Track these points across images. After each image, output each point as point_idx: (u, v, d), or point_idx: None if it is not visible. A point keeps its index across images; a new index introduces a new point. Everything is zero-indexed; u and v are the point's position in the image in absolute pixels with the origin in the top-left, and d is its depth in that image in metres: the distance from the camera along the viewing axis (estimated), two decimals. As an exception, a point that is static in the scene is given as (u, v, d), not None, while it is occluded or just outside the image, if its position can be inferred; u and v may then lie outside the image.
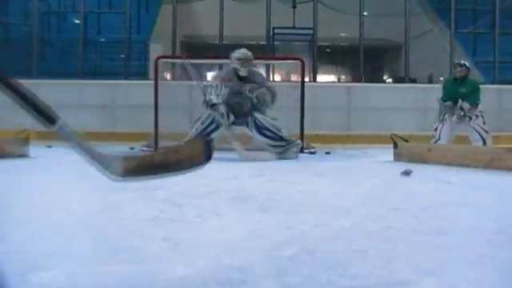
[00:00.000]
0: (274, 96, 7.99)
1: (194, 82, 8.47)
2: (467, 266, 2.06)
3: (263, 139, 7.85)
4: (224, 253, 2.18)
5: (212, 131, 7.90)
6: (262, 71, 8.28)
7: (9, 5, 16.66)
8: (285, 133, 7.89)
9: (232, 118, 7.87)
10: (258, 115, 7.85)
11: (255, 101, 7.83)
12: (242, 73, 7.95)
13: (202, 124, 7.94)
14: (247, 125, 7.92)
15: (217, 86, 7.97)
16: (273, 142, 7.84)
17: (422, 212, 3.32)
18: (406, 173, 5.75)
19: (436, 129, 8.83)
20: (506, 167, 6.00)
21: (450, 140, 8.72)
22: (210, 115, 7.85)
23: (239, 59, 7.97)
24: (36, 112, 1.92)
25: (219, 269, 1.96)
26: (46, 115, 1.97)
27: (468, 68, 8.85)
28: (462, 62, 9.18)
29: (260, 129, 7.83)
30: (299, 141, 8.17)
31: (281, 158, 7.73)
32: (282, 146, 7.86)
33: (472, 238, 2.62)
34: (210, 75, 17.48)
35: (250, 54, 8.10)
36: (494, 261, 2.15)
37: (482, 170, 6.09)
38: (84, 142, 1.70)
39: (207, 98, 7.81)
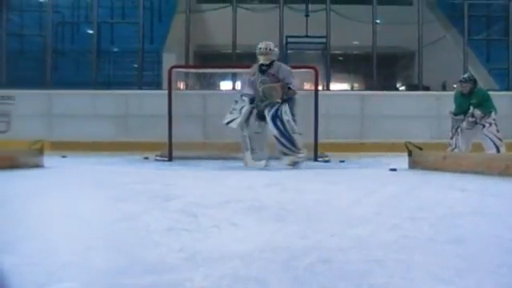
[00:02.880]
0: (287, 94, 7.85)
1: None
2: (486, 276, 2.04)
3: (272, 127, 7.77)
4: (241, 263, 2.17)
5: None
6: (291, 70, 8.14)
7: (23, 16, 16.79)
8: (298, 139, 7.79)
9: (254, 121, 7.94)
10: (283, 106, 7.76)
11: (260, 94, 7.78)
12: (262, 61, 7.93)
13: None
14: (269, 110, 7.82)
15: (236, 101, 7.97)
16: (279, 137, 7.74)
17: (438, 221, 3.30)
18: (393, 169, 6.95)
19: (452, 137, 8.82)
20: (522, 175, 5.96)
21: (467, 149, 8.70)
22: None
23: (259, 48, 7.99)
24: None
25: (236, 280, 1.95)
26: None
27: (472, 81, 8.82)
28: (466, 75, 9.16)
29: (275, 118, 7.74)
30: (304, 154, 7.91)
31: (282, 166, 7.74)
32: (287, 147, 7.76)
33: (490, 246, 2.59)
34: (223, 84, 17.58)
35: (271, 43, 8.13)
36: (514, 270, 2.13)
37: (497, 177, 6.05)
38: None
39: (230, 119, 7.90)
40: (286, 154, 7.80)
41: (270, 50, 7.98)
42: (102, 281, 1.98)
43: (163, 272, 2.08)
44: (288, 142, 7.72)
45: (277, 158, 7.97)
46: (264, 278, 1.97)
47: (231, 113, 7.81)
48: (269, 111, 7.75)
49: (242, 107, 7.79)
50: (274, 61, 8.02)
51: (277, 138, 7.78)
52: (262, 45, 8.07)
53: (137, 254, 2.36)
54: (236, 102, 7.86)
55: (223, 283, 1.91)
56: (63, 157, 9.51)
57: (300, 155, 7.80)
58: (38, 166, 7.49)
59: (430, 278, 2.00)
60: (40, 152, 7.65)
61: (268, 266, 2.15)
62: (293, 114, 7.81)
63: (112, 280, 1.98)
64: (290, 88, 7.80)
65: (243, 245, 2.55)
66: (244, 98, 7.86)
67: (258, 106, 7.85)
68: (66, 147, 11.40)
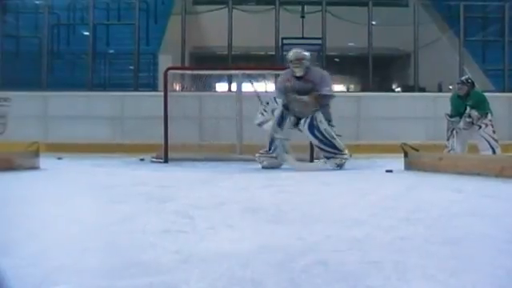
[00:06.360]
0: (322, 102, 7.97)
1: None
2: (482, 278, 2.04)
3: (311, 138, 7.98)
4: (237, 265, 2.17)
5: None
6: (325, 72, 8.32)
7: (19, 18, 16.75)
8: (339, 142, 7.96)
9: (289, 124, 8.02)
10: (317, 115, 7.87)
11: (296, 109, 7.90)
12: (298, 73, 7.97)
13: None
14: (305, 121, 7.94)
15: (267, 102, 8.05)
16: (320, 145, 7.95)
17: (434, 222, 3.30)
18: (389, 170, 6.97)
19: (448, 139, 8.84)
20: (518, 176, 5.96)
21: (463, 150, 8.73)
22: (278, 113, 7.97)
23: (291, 61, 8.01)
24: None
25: (232, 281, 1.95)
26: None
27: (469, 83, 8.84)
28: (464, 78, 9.19)
29: (312, 128, 7.87)
30: (347, 155, 8.06)
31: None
32: (330, 152, 7.92)
33: (486, 248, 2.59)
34: (218, 86, 17.57)
35: (300, 52, 8.18)
36: (510, 272, 2.13)
37: (493, 178, 6.04)
38: None
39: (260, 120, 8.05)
40: (329, 158, 7.95)
41: (303, 59, 8.02)
42: (97, 282, 1.98)
43: (159, 273, 2.07)
44: (330, 147, 7.93)
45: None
46: (260, 279, 1.97)
47: (262, 114, 7.88)
48: (304, 121, 7.88)
49: (274, 110, 7.86)
50: (308, 67, 8.06)
51: (317, 146, 8.09)
52: (292, 56, 8.11)
53: (132, 256, 2.36)
54: (267, 103, 7.92)
55: (219, 285, 1.91)
56: (59, 158, 9.49)
57: (344, 156, 8.00)
58: (34, 167, 7.47)
59: (426, 280, 2.00)
60: (36, 154, 7.64)
61: (264, 267, 2.15)
62: (328, 120, 8.00)
63: (108, 281, 1.98)
64: (324, 95, 7.94)
65: (239, 246, 2.55)
66: (278, 100, 7.90)
67: (292, 113, 7.97)
68: (61, 149, 11.39)
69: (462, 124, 8.67)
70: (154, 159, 9.47)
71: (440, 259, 2.32)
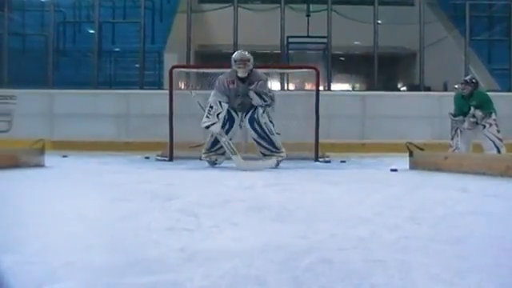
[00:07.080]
0: (271, 102, 7.93)
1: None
2: (486, 277, 2.04)
3: (251, 132, 7.97)
4: (241, 263, 2.17)
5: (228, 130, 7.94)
6: (267, 77, 8.19)
7: (25, 16, 16.79)
8: (277, 140, 7.92)
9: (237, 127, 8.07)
10: (259, 109, 7.85)
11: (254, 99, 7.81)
12: (241, 74, 7.91)
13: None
14: (246, 113, 7.95)
15: (211, 106, 7.84)
16: (258, 139, 7.93)
17: (439, 221, 3.30)
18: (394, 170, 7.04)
19: (452, 138, 8.83)
20: (523, 175, 5.94)
21: (468, 149, 8.71)
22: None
23: (235, 61, 7.95)
24: None
25: (236, 280, 1.95)
26: None
27: (473, 83, 8.82)
28: (468, 78, 9.16)
29: (253, 121, 7.88)
30: (284, 154, 7.98)
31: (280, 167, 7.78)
32: (267, 148, 7.92)
33: (490, 247, 2.59)
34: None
35: (246, 54, 8.05)
36: (514, 271, 2.13)
37: (498, 178, 6.03)
38: None
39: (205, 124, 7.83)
40: (266, 155, 7.89)
41: (248, 61, 7.94)
42: (102, 280, 1.98)
43: (163, 271, 2.08)
44: (267, 143, 7.92)
45: (256, 159, 8.03)
46: (264, 277, 1.97)
47: (207, 117, 7.77)
48: (246, 114, 7.86)
49: (219, 113, 7.76)
50: (252, 70, 8.00)
51: (256, 141, 8.01)
52: (237, 56, 8.00)
53: (137, 254, 2.36)
54: (211, 107, 7.79)
55: (223, 283, 1.91)
56: (64, 156, 9.50)
57: (280, 155, 7.93)
58: (39, 165, 7.48)
59: (431, 279, 1.99)
60: (41, 151, 7.64)
61: (268, 265, 2.15)
62: (269, 116, 7.91)
63: (112, 279, 1.98)
64: (265, 100, 7.86)
65: (243, 244, 2.55)
66: (223, 104, 7.81)
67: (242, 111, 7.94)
68: (67, 146, 11.41)
69: (466, 124, 8.66)
70: (159, 157, 9.47)
71: (444, 258, 2.32)
